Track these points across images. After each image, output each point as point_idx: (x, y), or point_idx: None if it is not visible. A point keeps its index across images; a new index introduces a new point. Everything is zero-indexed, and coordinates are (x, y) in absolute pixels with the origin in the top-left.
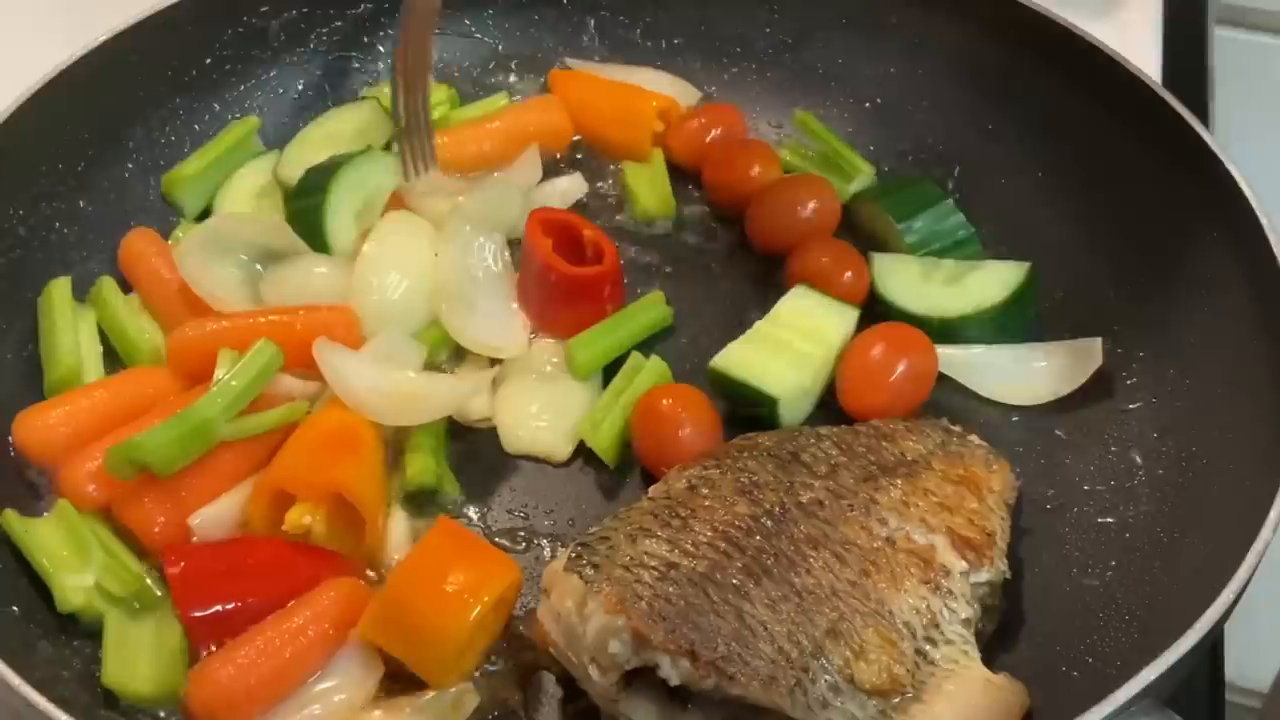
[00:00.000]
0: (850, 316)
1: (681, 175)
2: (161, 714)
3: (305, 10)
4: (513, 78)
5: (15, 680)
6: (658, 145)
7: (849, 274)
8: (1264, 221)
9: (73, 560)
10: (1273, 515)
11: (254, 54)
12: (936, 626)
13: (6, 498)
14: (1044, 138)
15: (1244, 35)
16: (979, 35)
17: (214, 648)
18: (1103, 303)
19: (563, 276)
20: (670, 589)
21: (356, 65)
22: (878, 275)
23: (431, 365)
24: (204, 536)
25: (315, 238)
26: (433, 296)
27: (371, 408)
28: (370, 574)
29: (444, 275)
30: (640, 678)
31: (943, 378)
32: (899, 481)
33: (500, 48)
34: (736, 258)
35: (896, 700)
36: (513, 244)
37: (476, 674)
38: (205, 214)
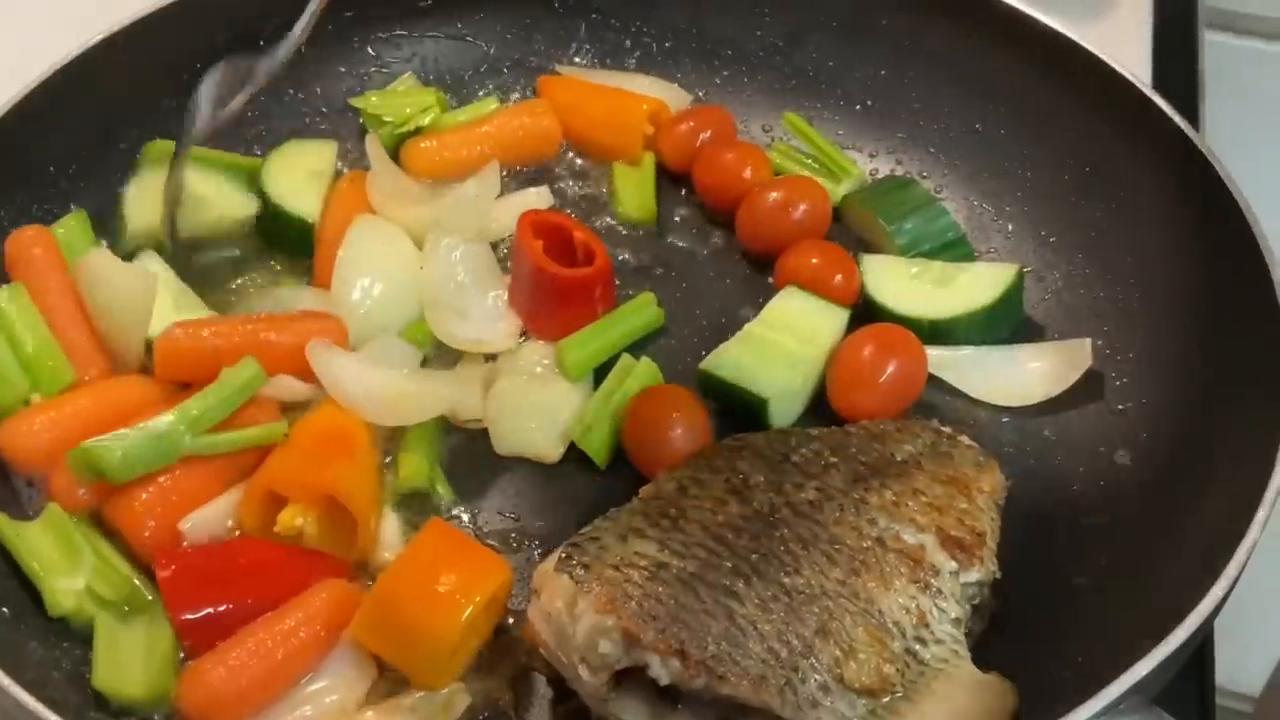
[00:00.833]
0: (840, 318)
1: (672, 178)
2: (155, 717)
3: (295, 15)
4: (503, 81)
5: (5, 681)
6: (648, 149)
7: (839, 276)
8: (1253, 224)
9: (63, 564)
10: (1260, 514)
11: None
12: (926, 626)
13: None
14: (1033, 140)
15: (1234, 40)
16: (968, 38)
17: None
18: (1093, 304)
19: (552, 278)
20: (660, 589)
21: (345, 69)
22: (868, 277)
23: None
24: (194, 540)
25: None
26: (423, 307)
27: (365, 408)
28: (362, 577)
29: (430, 289)
30: (630, 678)
31: (933, 379)
32: (889, 482)
33: (491, 50)
34: (726, 260)
35: (886, 699)
36: (498, 246)
37: (466, 674)
38: None
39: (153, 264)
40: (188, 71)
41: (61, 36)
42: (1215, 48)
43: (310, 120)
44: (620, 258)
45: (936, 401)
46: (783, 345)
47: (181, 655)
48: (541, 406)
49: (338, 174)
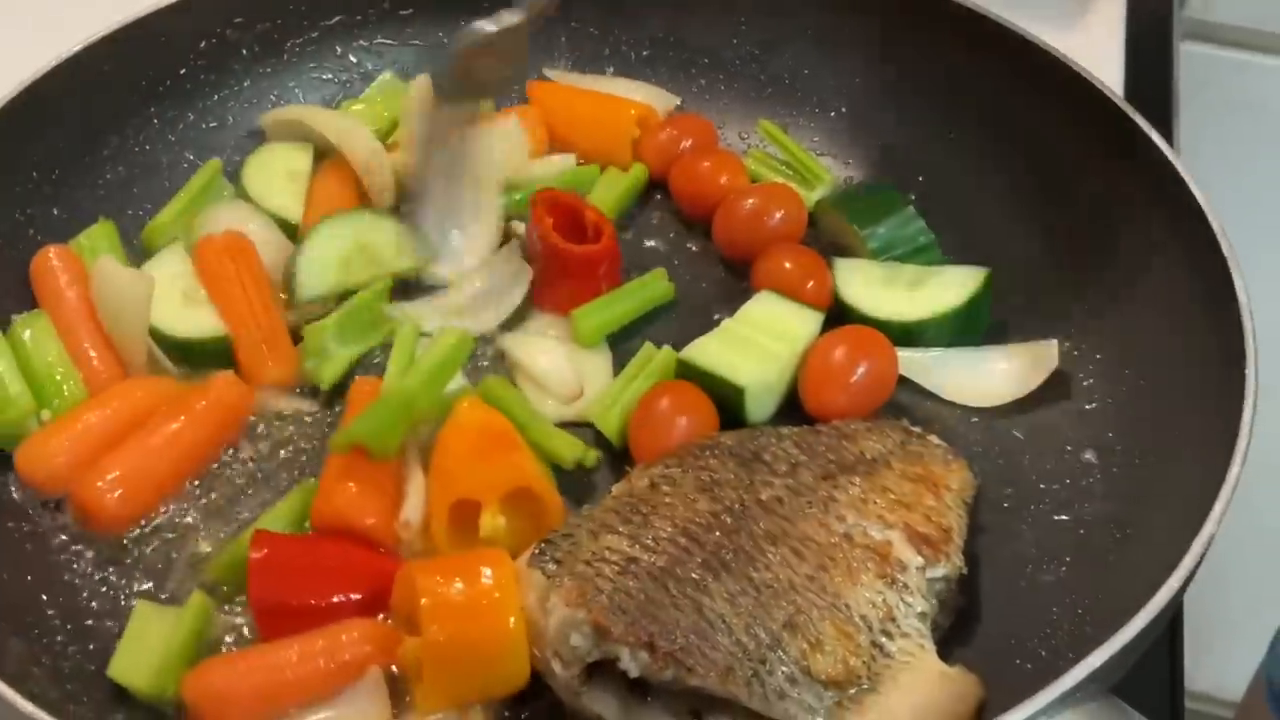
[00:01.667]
0: (814, 320)
1: (651, 183)
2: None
3: (279, 22)
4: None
5: None
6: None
7: (812, 281)
8: (1219, 235)
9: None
10: (1217, 509)
11: (228, 64)
12: (893, 620)
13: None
14: (1006, 147)
15: (1211, 50)
16: (940, 46)
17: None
18: (1060, 307)
19: (560, 252)
20: (630, 583)
21: (328, 76)
22: (840, 280)
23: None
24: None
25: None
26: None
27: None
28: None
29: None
30: (602, 671)
31: (903, 380)
32: (858, 479)
33: None
34: (703, 264)
35: (852, 691)
36: None
37: None
38: None
39: (170, 263)
40: (163, 82)
41: (51, 36)
42: (1191, 58)
43: None
44: None
45: (906, 402)
46: (758, 342)
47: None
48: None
49: None
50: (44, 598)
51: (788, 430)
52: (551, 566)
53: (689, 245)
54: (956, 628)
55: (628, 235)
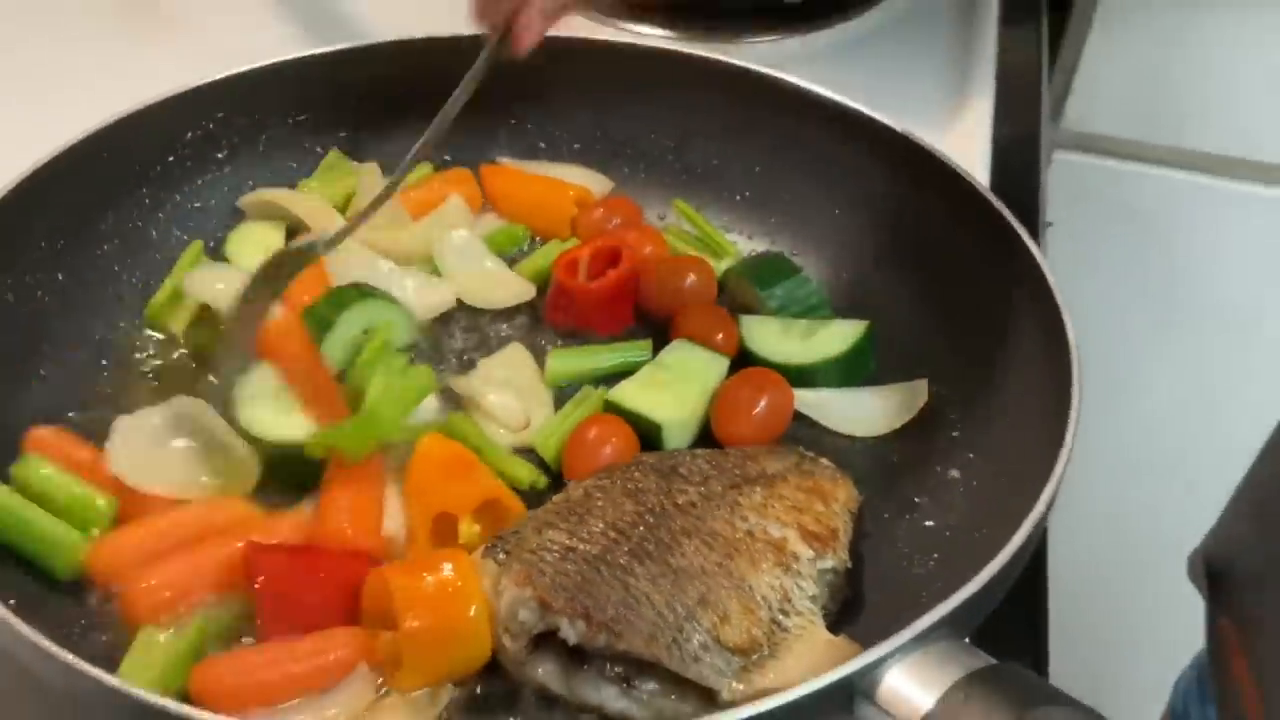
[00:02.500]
0: (722, 363)
1: None
2: None
3: (258, 117)
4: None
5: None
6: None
7: (721, 333)
8: (1062, 308)
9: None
10: (1038, 509)
11: (211, 153)
12: (788, 600)
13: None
14: (885, 225)
15: (1083, 158)
16: (831, 141)
17: None
18: (931, 356)
19: (562, 285)
20: (569, 567)
21: (293, 165)
22: (745, 332)
23: None
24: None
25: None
26: None
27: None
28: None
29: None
30: (545, 644)
31: (799, 415)
32: (759, 489)
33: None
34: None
35: (755, 657)
36: None
37: None
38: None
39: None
40: (154, 167)
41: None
42: (1065, 165)
43: None
44: (528, 321)
45: (802, 434)
46: (674, 384)
47: None
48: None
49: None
50: None
51: (701, 451)
52: (502, 556)
53: None
54: (844, 613)
55: None
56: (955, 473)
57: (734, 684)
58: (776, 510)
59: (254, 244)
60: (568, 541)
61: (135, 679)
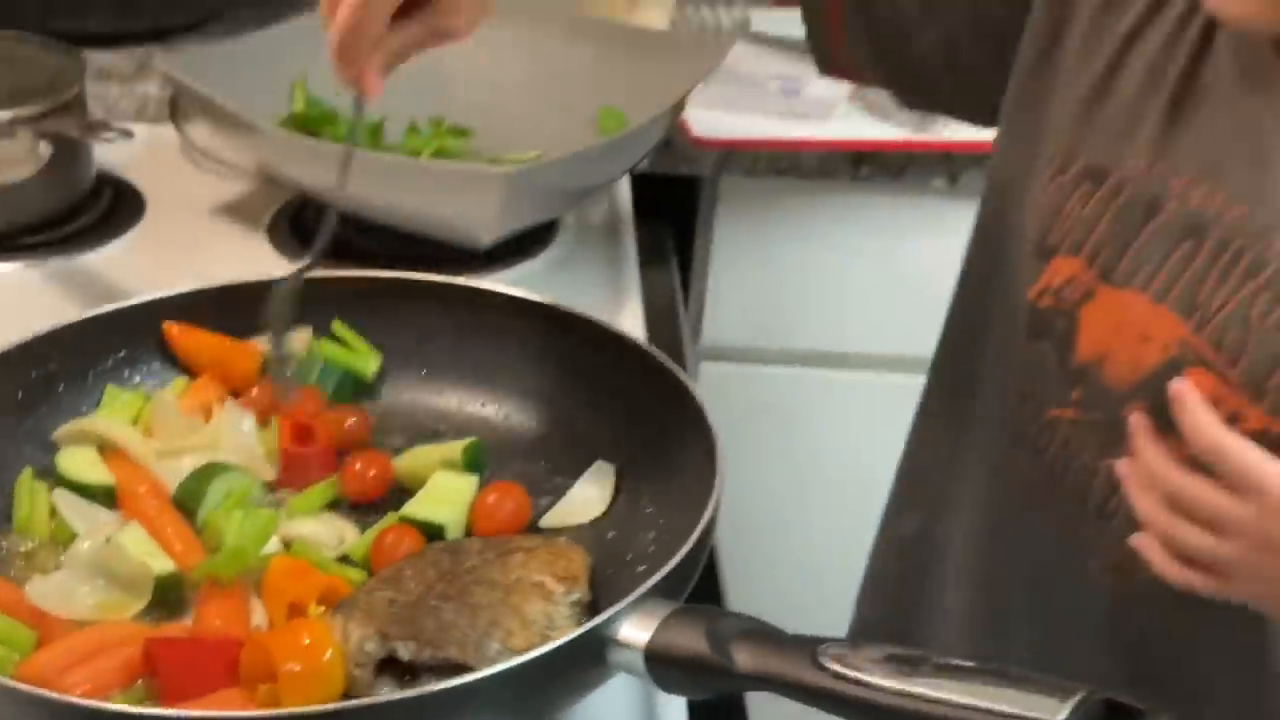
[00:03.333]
0: (475, 480)
1: None
2: None
3: (86, 357)
4: None
5: None
6: None
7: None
8: (714, 435)
9: None
10: (695, 534)
11: (53, 386)
12: (551, 620)
13: None
14: (590, 386)
15: (726, 366)
16: (553, 335)
17: None
18: (625, 464)
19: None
20: (397, 610)
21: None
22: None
23: None
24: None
25: None
26: None
27: None
28: None
29: None
30: (384, 669)
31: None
32: (520, 554)
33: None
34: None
35: None
36: None
37: None
38: None
39: None
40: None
41: None
42: (710, 371)
43: None
44: None
45: (542, 526)
46: (446, 499)
47: None
48: None
49: None
50: None
51: (473, 538)
52: (346, 609)
53: None
54: None
55: None
56: (652, 534)
57: None
58: (534, 565)
59: (80, 463)
60: (391, 595)
61: None
